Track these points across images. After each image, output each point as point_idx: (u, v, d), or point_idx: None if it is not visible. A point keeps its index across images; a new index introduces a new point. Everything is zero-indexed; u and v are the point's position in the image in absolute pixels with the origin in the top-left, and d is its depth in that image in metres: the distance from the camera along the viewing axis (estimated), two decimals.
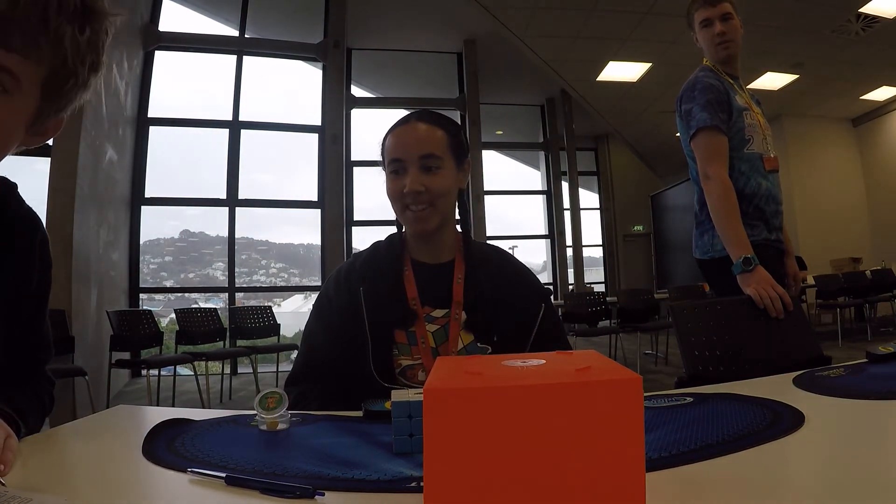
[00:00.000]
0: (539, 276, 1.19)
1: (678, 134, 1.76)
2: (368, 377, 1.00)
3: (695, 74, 1.70)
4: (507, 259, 1.16)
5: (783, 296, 1.40)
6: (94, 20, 0.65)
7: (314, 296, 1.15)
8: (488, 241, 1.22)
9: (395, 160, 1.03)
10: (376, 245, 1.14)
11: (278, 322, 5.27)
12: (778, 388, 0.89)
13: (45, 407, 0.84)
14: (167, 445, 0.67)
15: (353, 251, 1.25)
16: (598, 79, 6.94)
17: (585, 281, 9.35)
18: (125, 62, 5.53)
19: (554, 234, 9.51)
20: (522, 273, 1.15)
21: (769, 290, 1.39)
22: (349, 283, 1.08)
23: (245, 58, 6.90)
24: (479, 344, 1.04)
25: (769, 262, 1.58)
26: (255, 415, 0.76)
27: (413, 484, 0.53)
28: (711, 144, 1.60)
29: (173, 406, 4.12)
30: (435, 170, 1.03)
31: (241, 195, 6.68)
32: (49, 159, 4.13)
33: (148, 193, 6.24)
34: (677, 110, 1.73)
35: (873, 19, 5.44)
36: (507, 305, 1.06)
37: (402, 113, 1.13)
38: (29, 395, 0.80)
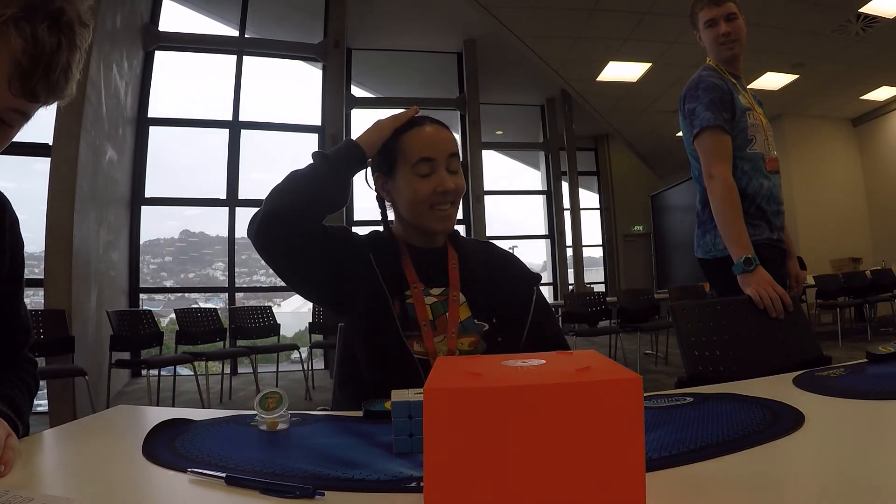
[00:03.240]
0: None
1: (679, 134, 1.76)
2: (392, 330, 1.01)
3: (698, 74, 1.70)
4: (492, 248, 1.21)
5: (783, 296, 1.40)
6: (84, 56, 0.70)
7: None
8: (484, 240, 1.24)
9: (428, 160, 1.04)
10: (375, 231, 1.17)
11: (278, 322, 5.27)
12: (778, 388, 0.89)
13: (33, 391, 0.85)
14: (167, 445, 0.67)
15: None
16: (598, 79, 6.93)
17: (585, 281, 9.35)
18: (125, 62, 5.53)
19: (554, 234, 9.51)
20: (510, 259, 1.19)
21: (769, 291, 1.39)
22: (360, 246, 1.10)
23: (245, 58, 6.90)
24: (476, 321, 1.06)
25: (771, 261, 1.58)
26: (255, 415, 0.76)
27: (413, 484, 0.53)
28: (715, 144, 1.60)
29: (173, 406, 4.12)
30: (457, 170, 1.07)
31: (241, 195, 6.68)
32: (49, 159, 4.12)
33: (148, 193, 6.24)
34: (680, 109, 1.72)
35: (873, 19, 5.43)
36: (501, 289, 1.10)
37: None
38: (18, 385, 0.80)
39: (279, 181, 1.03)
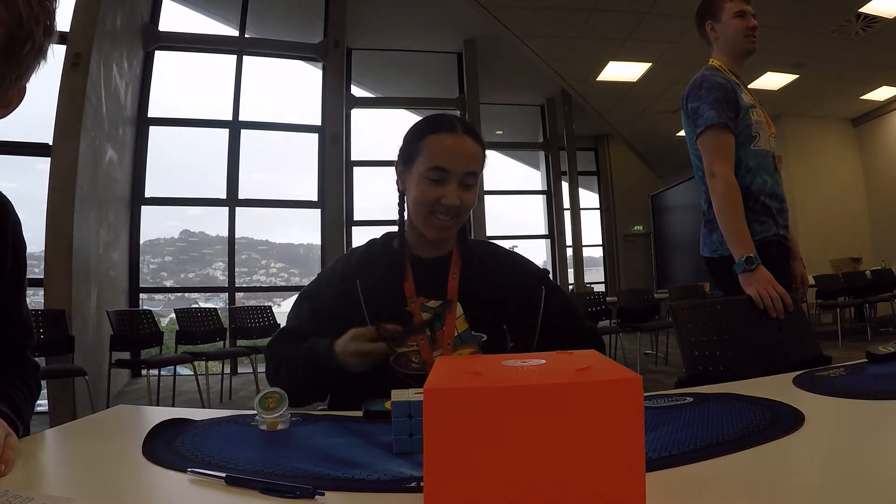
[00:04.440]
0: None
1: (680, 133, 1.77)
2: (379, 368, 1.00)
3: (701, 73, 1.69)
4: (498, 251, 1.20)
5: (783, 296, 1.40)
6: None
7: None
8: (488, 241, 1.24)
9: (440, 169, 1.03)
10: (372, 241, 1.16)
11: (278, 322, 5.26)
12: (778, 388, 0.89)
13: (34, 394, 0.84)
14: (167, 445, 0.67)
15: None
16: (598, 79, 6.93)
17: (585, 281, 9.34)
18: (125, 62, 5.53)
19: (554, 234, 9.50)
20: (515, 260, 1.18)
21: (770, 290, 1.39)
22: (343, 278, 1.10)
23: (245, 58, 6.89)
24: (473, 332, 1.07)
25: (778, 259, 1.58)
26: (255, 415, 0.76)
27: (413, 484, 0.53)
28: (718, 142, 1.59)
29: (173, 406, 4.12)
30: (471, 186, 1.06)
31: (241, 195, 6.67)
32: (49, 159, 4.12)
33: (148, 193, 6.23)
34: (683, 109, 1.71)
35: (873, 19, 5.43)
36: (507, 294, 1.09)
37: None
38: (19, 386, 0.80)
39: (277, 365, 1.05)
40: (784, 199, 1.71)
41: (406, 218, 1.13)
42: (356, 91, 8.00)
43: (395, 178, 1.12)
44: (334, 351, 0.97)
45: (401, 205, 1.13)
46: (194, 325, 4.70)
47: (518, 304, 1.09)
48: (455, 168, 1.03)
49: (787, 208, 1.72)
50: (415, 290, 1.08)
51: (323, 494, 0.50)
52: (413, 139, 1.08)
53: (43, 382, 0.90)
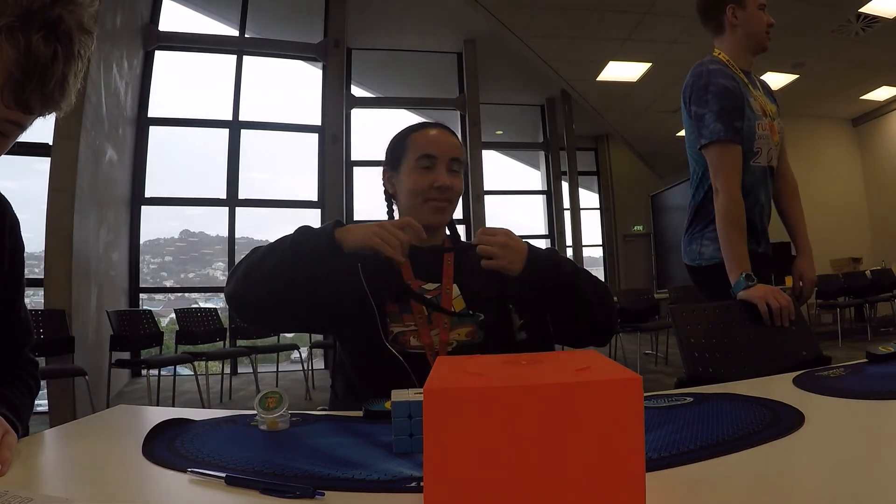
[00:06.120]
0: None
1: (680, 133, 1.76)
2: (377, 345, 1.03)
3: (706, 68, 1.61)
4: None
5: (788, 304, 1.39)
6: (85, 64, 0.69)
7: None
8: None
9: (429, 156, 1.12)
10: None
11: None
12: (778, 388, 0.90)
13: (33, 392, 0.85)
14: (167, 445, 0.67)
15: None
16: (598, 79, 6.93)
17: None
18: (125, 62, 5.53)
19: (554, 234, 9.50)
20: None
21: (780, 300, 1.37)
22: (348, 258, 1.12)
23: (245, 58, 6.89)
24: (470, 311, 1.10)
25: (757, 271, 1.56)
26: (255, 415, 0.76)
27: (413, 484, 0.53)
28: (723, 158, 1.54)
29: (173, 406, 4.12)
30: (457, 173, 1.15)
31: (241, 195, 6.68)
32: (49, 159, 4.12)
33: (148, 193, 6.24)
34: (684, 104, 1.66)
35: (873, 19, 5.43)
36: (505, 276, 1.09)
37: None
38: (18, 386, 0.80)
39: (258, 254, 1.07)
40: (769, 209, 1.69)
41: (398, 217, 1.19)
42: (356, 91, 8.00)
43: (383, 182, 1.20)
44: (337, 234, 1.00)
45: (389, 205, 1.21)
46: (194, 325, 4.70)
47: (518, 285, 1.10)
48: (441, 153, 1.12)
49: (769, 212, 1.70)
50: (412, 273, 1.13)
51: (323, 494, 0.50)
52: (398, 142, 1.17)
53: (43, 382, 0.91)
